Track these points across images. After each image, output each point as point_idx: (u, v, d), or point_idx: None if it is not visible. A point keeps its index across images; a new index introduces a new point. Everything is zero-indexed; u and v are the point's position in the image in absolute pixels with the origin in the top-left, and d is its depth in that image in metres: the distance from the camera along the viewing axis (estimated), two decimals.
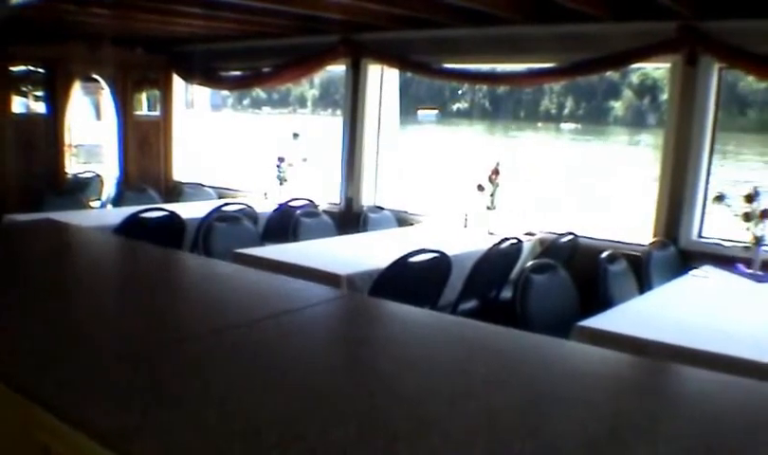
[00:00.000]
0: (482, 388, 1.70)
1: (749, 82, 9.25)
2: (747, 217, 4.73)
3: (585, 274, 4.47)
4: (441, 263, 4.49)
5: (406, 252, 4.27)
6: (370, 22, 6.47)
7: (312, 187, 7.57)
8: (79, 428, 1.40)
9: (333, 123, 8.33)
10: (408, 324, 2.38)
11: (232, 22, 6.80)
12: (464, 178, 6.59)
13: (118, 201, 7.49)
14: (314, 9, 6.16)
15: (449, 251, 4.57)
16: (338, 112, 7.82)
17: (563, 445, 1.41)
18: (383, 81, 7.18)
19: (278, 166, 7.45)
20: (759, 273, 4.68)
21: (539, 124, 15.60)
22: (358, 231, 6.21)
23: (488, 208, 6.00)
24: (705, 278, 4.65)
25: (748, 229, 4.74)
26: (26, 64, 7.80)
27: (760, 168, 11.57)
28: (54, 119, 7.80)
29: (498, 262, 5.00)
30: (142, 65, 8.66)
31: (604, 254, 4.60)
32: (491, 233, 5.75)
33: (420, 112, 15.65)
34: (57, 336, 1.89)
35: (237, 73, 8.49)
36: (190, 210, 6.12)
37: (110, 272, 3.06)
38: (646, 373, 2.03)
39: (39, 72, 7.84)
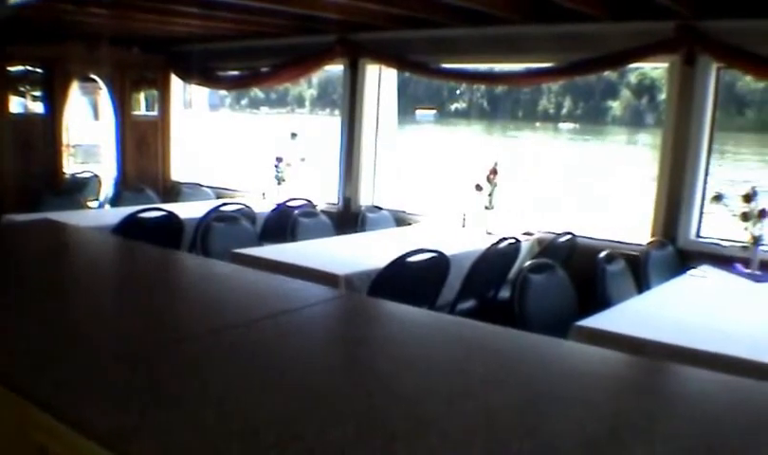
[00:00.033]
0: (480, 387, 1.70)
1: (747, 82, 9.27)
2: (745, 217, 4.73)
3: (583, 274, 4.47)
4: (439, 263, 4.49)
5: (404, 252, 4.27)
6: (367, 22, 6.47)
7: (310, 187, 7.57)
8: (76, 429, 1.40)
9: (331, 123, 8.34)
10: (406, 324, 2.38)
11: (230, 22, 6.79)
12: (462, 178, 6.59)
13: (115, 201, 7.49)
14: (311, 9, 6.15)
15: (448, 251, 4.57)
16: (337, 112, 7.83)
17: (561, 445, 1.41)
18: (381, 81, 7.18)
19: (276, 166, 7.44)
20: (757, 273, 4.68)
21: (538, 124, 15.61)
22: (356, 231, 6.21)
23: (486, 207, 6.00)
24: (704, 277, 4.65)
25: (746, 229, 4.75)
26: (23, 64, 7.79)
27: (758, 167, 11.58)
28: (52, 119, 7.80)
29: (496, 261, 5.00)
30: (140, 65, 8.66)
31: (602, 254, 4.60)
32: (489, 233, 5.75)
33: (418, 112, 15.65)
34: (54, 336, 1.89)
35: (235, 73, 8.48)
36: (188, 210, 6.12)
37: (108, 272, 3.06)
38: (644, 373, 2.03)
39: (37, 72, 7.83)
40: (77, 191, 7.49)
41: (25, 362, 1.68)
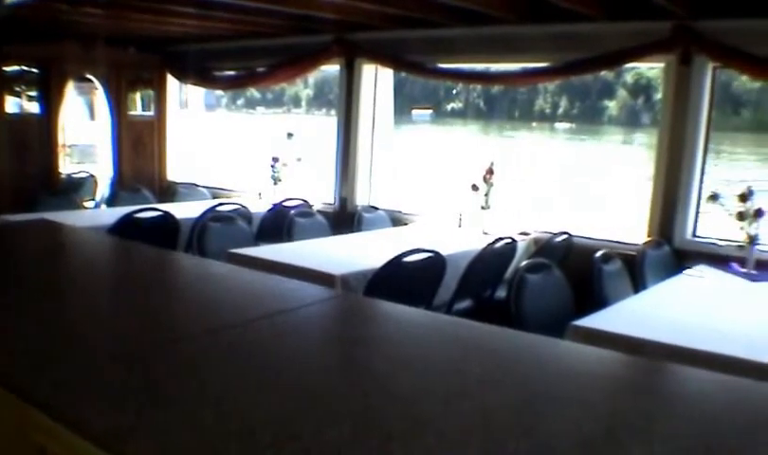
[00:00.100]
0: (476, 387, 1.70)
1: (743, 82, 9.27)
2: (741, 216, 4.74)
3: (579, 273, 4.47)
4: (435, 263, 4.49)
5: (400, 252, 4.27)
6: (364, 21, 6.47)
7: (306, 187, 7.56)
8: (73, 429, 1.40)
9: (327, 123, 8.34)
10: (402, 324, 2.38)
11: (226, 22, 6.79)
12: (458, 178, 6.58)
13: (112, 201, 7.47)
14: (308, 9, 6.15)
15: (444, 251, 4.57)
16: (333, 112, 7.82)
17: (558, 445, 1.41)
18: (377, 81, 7.18)
19: (272, 166, 7.44)
20: (753, 272, 4.69)
21: (534, 124, 15.61)
22: (353, 231, 6.20)
23: (483, 207, 6.00)
24: (700, 277, 4.66)
25: (742, 229, 4.76)
26: (19, 64, 7.78)
27: (754, 167, 11.60)
28: (48, 119, 7.78)
29: (492, 261, 5.00)
30: (136, 65, 8.65)
31: (598, 253, 4.60)
32: (486, 233, 5.75)
33: (414, 112, 15.64)
34: (52, 336, 1.89)
35: (231, 73, 8.47)
36: (184, 210, 6.11)
37: (104, 272, 3.06)
38: (640, 373, 2.03)
39: (32, 72, 7.82)
40: (73, 191, 7.47)
41: (24, 363, 1.67)
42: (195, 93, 9.30)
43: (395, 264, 4.19)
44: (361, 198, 7.21)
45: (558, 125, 15.08)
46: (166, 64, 8.66)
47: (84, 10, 6.32)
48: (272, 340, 2.01)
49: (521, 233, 5.75)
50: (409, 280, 4.28)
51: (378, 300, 2.77)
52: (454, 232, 6.05)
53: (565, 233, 5.53)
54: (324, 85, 14.68)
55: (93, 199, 8.26)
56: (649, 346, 3.00)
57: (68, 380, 1.59)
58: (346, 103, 7.18)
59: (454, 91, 15.35)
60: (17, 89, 7.88)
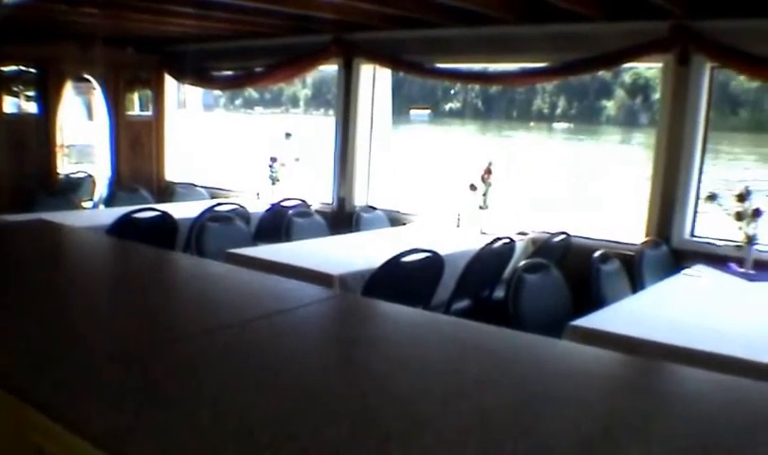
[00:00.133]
0: (474, 387, 1.70)
1: (741, 82, 9.29)
2: (739, 216, 4.74)
3: (578, 273, 4.47)
4: (433, 263, 4.49)
5: (398, 252, 4.27)
6: (362, 21, 6.47)
7: (304, 187, 7.56)
8: (72, 429, 1.40)
9: (325, 123, 8.34)
10: (400, 324, 2.38)
11: (224, 22, 6.78)
12: (456, 178, 6.59)
13: (110, 201, 7.46)
14: (306, 9, 6.15)
15: (442, 251, 4.57)
16: (331, 112, 7.82)
17: (556, 445, 1.41)
18: (375, 81, 7.18)
19: (270, 166, 7.44)
20: (752, 272, 4.69)
21: (532, 124, 15.63)
22: (351, 231, 6.20)
23: (481, 207, 6.00)
24: (698, 277, 4.66)
25: (740, 228, 4.76)
26: (17, 64, 7.77)
27: (752, 167, 11.61)
28: (46, 119, 7.77)
29: (490, 261, 5.00)
30: (134, 65, 8.64)
31: (596, 253, 4.60)
32: (484, 233, 5.75)
33: (412, 112, 15.66)
34: (51, 336, 1.88)
35: (229, 73, 8.47)
36: (182, 210, 6.10)
37: (103, 273, 3.06)
38: (638, 373, 2.04)
39: (30, 72, 7.81)
40: (71, 191, 7.47)
41: (22, 363, 1.67)
42: (193, 93, 9.29)
43: (393, 264, 4.19)
44: (359, 198, 7.21)
45: (557, 125, 15.11)
46: (164, 64, 8.65)
47: (83, 10, 6.31)
48: (270, 340, 2.01)
49: (520, 233, 5.75)
50: (407, 280, 4.27)
51: (376, 301, 2.77)
52: (452, 232, 6.04)
53: (563, 233, 5.53)
54: (322, 85, 14.70)
55: (91, 199, 8.25)
56: (646, 346, 3.00)
57: (67, 380, 1.58)
58: (344, 103, 7.18)
59: (452, 91, 15.37)
60: (15, 89, 7.87)
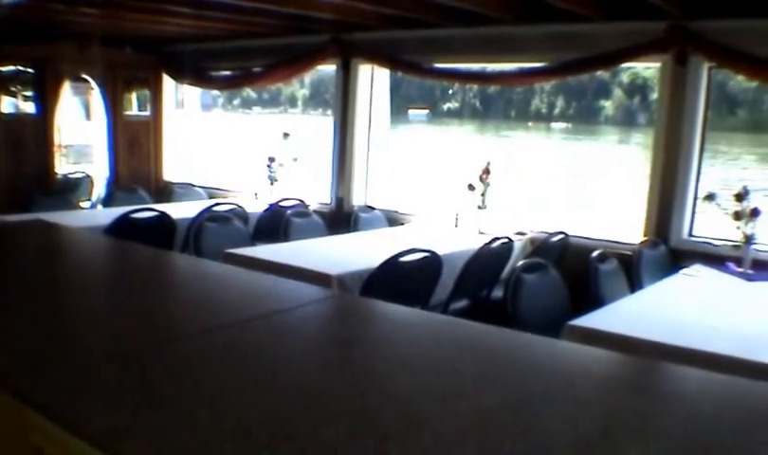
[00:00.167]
0: (473, 387, 1.70)
1: (739, 82, 9.30)
2: (737, 216, 4.74)
3: (576, 273, 4.47)
4: (432, 263, 4.49)
5: (397, 252, 4.27)
6: (360, 22, 6.47)
7: (303, 187, 7.56)
8: (70, 429, 1.40)
9: (323, 123, 8.33)
10: (399, 324, 2.37)
11: (222, 21, 6.78)
12: (454, 178, 6.59)
13: (108, 201, 7.45)
14: (304, 9, 6.15)
15: (440, 251, 4.57)
16: (329, 112, 7.81)
17: (554, 445, 1.41)
18: (373, 81, 7.18)
19: (268, 166, 7.44)
20: (750, 272, 4.69)
21: (530, 124, 15.64)
22: (349, 231, 6.20)
23: (479, 207, 6.00)
24: (696, 277, 4.66)
25: (738, 228, 4.76)
26: (15, 64, 7.76)
27: (750, 167, 11.62)
28: (44, 119, 7.77)
29: (489, 261, 5.00)
30: (132, 65, 8.64)
31: (595, 253, 4.60)
32: (482, 233, 5.75)
33: (411, 111, 15.66)
34: (48, 337, 1.88)
35: (227, 73, 8.46)
36: (180, 210, 6.10)
37: (101, 273, 3.05)
38: (636, 372, 2.03)
39: (28, 72, 7.80)
40: (69, 191, 7.46)
41: (21, 363, 1.67)
42: (191, 93, 9.27)
43: (392, 264, 4.19)
44: (358, 198, 7.21)
45: (555, 125, 15.12)
46: (162, 64, 8.65)
47: (80, 10, 6.31)
48: (268, 340, 2.01)
49: (518, 233, 5.75)
50: (405, 280, 4.27)
51: (375, 300, 2.76)
52: (451, 232, 6.05)
53: (562, 233, 5.53)
54: (321, 85, 14.70)
55: (89, 199, 8.24)
56: (645, 345, 3.00)
57: (65, 380, 1.58)
58: (342, 103, 7.18)
59: (450, 91, 15.39)
60: (13, 89, 7.87)
